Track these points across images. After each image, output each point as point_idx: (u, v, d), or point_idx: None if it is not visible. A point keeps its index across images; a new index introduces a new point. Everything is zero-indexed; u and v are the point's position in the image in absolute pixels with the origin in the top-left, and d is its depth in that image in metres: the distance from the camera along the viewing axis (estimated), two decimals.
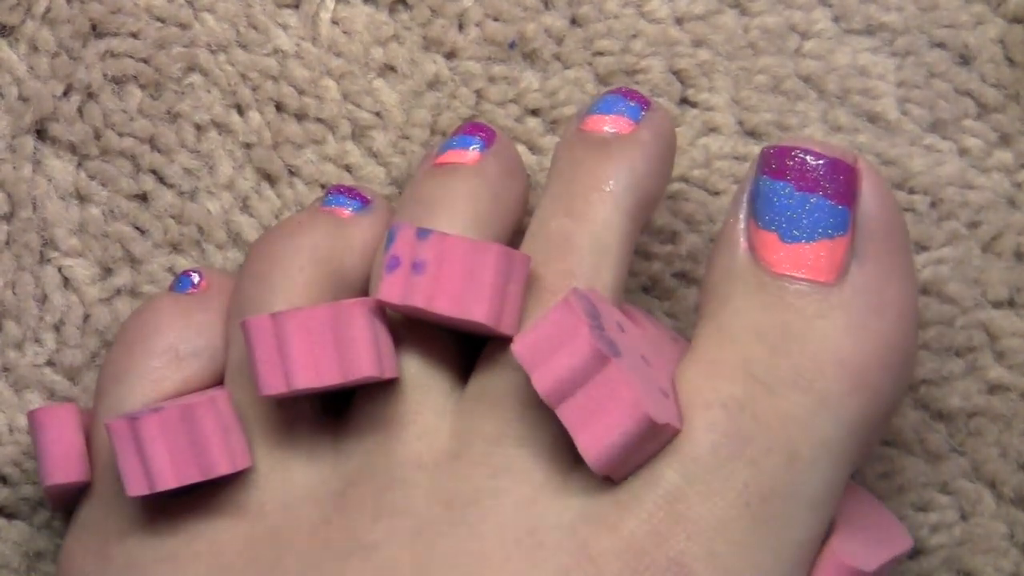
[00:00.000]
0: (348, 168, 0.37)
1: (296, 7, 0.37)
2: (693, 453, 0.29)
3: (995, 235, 0.36)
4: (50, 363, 0.36)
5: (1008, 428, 0.36)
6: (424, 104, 0.37)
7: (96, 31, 0.37)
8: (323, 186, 0.37)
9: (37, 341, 0.36)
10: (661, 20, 0.36)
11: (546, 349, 0.29)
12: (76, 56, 0.36)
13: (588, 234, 0.31)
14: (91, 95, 0.36)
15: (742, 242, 0.31)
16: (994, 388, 0.36)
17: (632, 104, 0.33)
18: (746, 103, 0.36)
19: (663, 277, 0.36)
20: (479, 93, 0.37)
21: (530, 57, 0.37)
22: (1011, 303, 0.36)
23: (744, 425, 0.30)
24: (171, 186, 0.37)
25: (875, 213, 0.30)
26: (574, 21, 0.37)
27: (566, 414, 0.29)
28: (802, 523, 0.30)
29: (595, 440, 0.29)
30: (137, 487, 0.31)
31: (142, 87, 0.37)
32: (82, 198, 0.36)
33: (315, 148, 0.37)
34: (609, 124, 0.33)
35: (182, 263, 0.36)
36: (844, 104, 0.36)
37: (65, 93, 0.36)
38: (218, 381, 0.33)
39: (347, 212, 0.33)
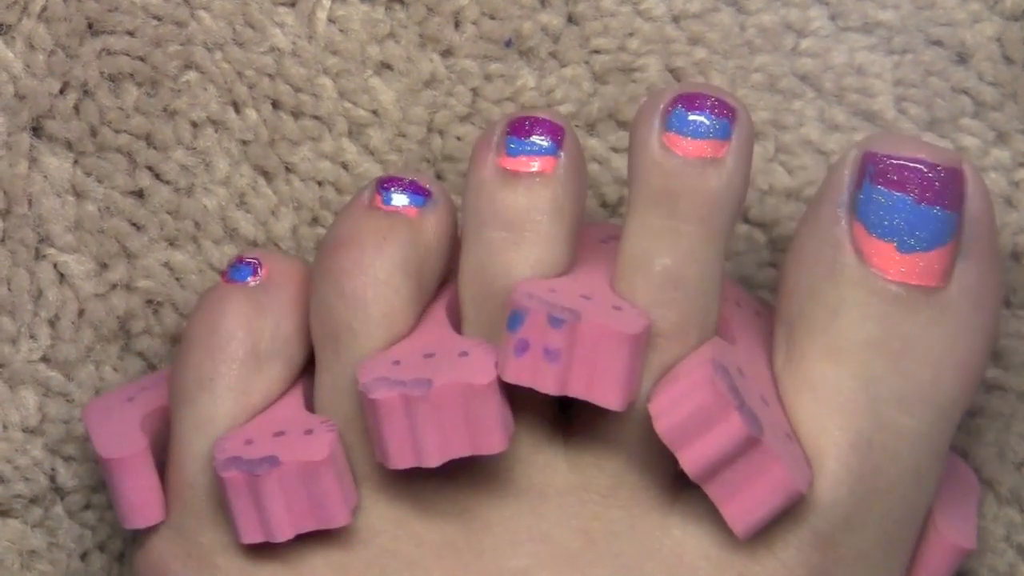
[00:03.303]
0: (344, 165, 0.37)
1: (292, 5, 0.37)
2: (833, 499, 0.30)
3: None
4: (45, 359, 0.36)
5: (1006, 429, 0.36)
6: (420, 102, 0.37)
7: (92, 29, 0.37)
8: (319, 183, 0.37)
9: (32, 336, 0.36)
10: (657, 18, 0.36)
11: (692, 429, 0.29)
12: (73, 54, 0.36)
13: (696, 276, 0.31)
14: (87, 92, 0.36)
15: (847, 245, 0.31)
16: (991, 388, 0.36)
17: (722, 121, 0.31)
18: (743, 101, 0.36)
19: None
20: (475, 91, 0.37)
21: (526, 55, 0.37)
22: (1007, 303, 0.36)
23: (876, 459, 0.30)
24: (167, 182, 0.37)
25: (979, 215, 0.31)
26: (570, 19, 0.37)
27: (714, 489, 0.30)
28: (919, 524, 0.32)
29: (744, 513, 0.29)
30: (252, 536, 0.31)
31: (138, 84, 0.37)
32: (78, 194, 0.36)
33: (312, 145, 0.37)
34: (702, 151, 0.31)
35: (178, 258, 0.36)
36: (841, 102, 0.36)
37: (61, 90, 0.36)
38: (294, 379, 0.33)
39: (415, 211, 0.33)
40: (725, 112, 0.31)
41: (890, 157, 0.30)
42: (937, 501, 0.32)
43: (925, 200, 0.30)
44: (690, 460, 0.29)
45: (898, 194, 0.30)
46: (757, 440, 0.29)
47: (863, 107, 0.36)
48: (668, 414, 0.30)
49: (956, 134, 0.36)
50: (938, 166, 0.30)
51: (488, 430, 0.30)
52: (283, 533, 0.30)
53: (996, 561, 0.36)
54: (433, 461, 0.30)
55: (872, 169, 0.30)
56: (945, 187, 0.30)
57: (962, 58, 0.36)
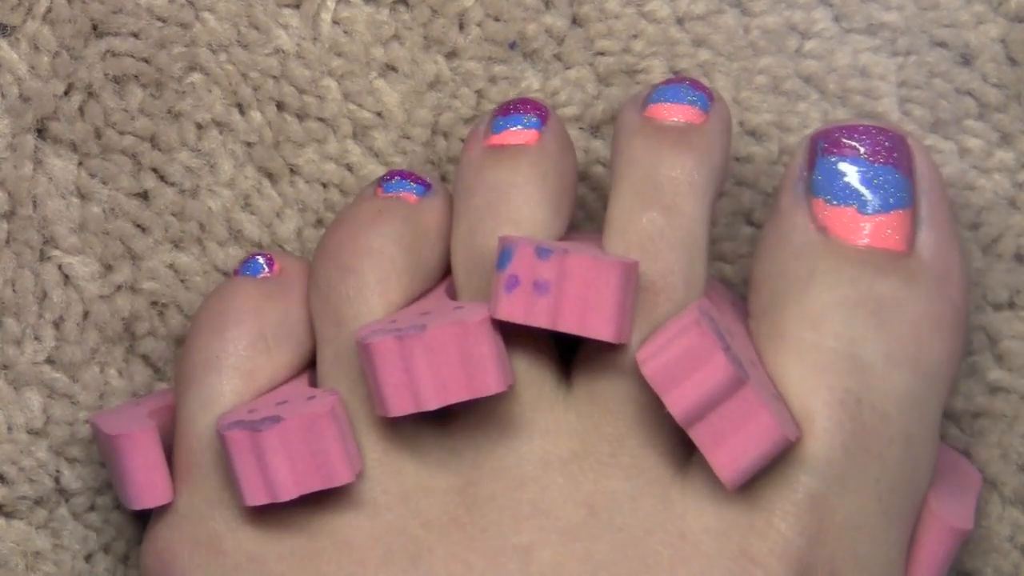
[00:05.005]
0: (349, 167, 0.37)
1: (297, 7, 0.37)
2: (826, 457, 0.30)
3: (996, 237, 0.36)
4: (49, 360, 0.36)
5: (1009, 430, 0.36)
6: (425, 104, 0.37)
7: (97, 31, 0.37)
8: (324, 185, 0.37)
9: (37, 338, 0.36)
10: (662, 20, 0.37)
11: (678, 371, 0.30)
12: (77, 55, 0.36)
13: (680, 228, 0.31)
14: (92, 94, 0.36)
15: (809, 224, 0.31)
16: (995, 390, 0.36)
17: (700, 95, 0.32)
18: (747, 103, 0.36)
19: None
20: (480, 93, 0.37)
21: (531, 57, 0.37)
22: (1011, 305, 0.36)
23: (866, 419, 0.30)
24: (172, 184, 0.37)
25: (930, 186, 0.32)
26: (575, 21, 0.37)
27: (699, 434, 0.30)
28: (917, 504, 0.32)
29: (731, 460, 0.29)
30: (256, 497, 0.31)
31: (143, 86, 0.37)
32: (83, 196, 0.36)
33: (316, 147, 0.37)
34: (682, 114, 0.32)
35: (183, 260, 0.36)
36: (845, 104, 0.36)
37: (66, 92, 0.36)
38: (300, 369, 0.33)
39: (414, 197, 0.33)
40: (703, 89, 0.33)
41: (838, 130, 0.32)
42: (934, 488, 0.32)
43: (878, 160, 0.31)
44: (676, 403, 0.29)
45: (851, 157, 0.31)
46: (742, 382, 0.29)
47: (867, 109, 0.36)
48: (654, 358, 0.30)
49: (960, 136, 0.36)
50: (886, 131, 0.31)
51: (484, 370, 0.30)
52: (287, 492, 0.30)
53: (1001, 562, 0.36)
54: (431, 404, 0.30)
55: (823, 144, 0.32)
56: (894, 149, 0.31)
57: (966, 60, 0.36)
